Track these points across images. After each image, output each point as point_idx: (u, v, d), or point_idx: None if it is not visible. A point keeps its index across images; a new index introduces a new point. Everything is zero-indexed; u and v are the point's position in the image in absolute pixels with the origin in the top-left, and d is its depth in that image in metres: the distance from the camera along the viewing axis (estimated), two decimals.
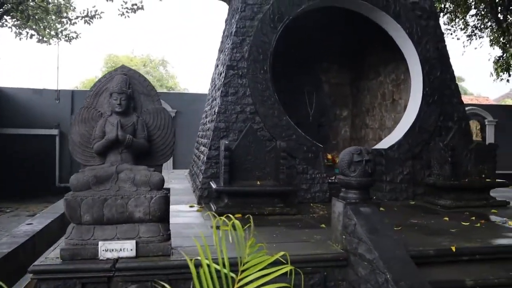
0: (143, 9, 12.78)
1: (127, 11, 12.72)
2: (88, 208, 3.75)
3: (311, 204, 6.86)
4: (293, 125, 7.14)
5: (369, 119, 10.31)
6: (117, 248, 3.77)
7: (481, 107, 17.55)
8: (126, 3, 12.66)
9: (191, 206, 6.66)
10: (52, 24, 13.19)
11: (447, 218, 5.87)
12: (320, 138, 10.69)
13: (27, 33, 13.02)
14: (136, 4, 12.68)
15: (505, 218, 5.92)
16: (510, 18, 15.43)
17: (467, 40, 16.30)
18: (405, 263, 3.54)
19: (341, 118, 11.18)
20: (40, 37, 13.33)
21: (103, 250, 3.75)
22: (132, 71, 4.39)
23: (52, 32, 13.73)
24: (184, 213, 6.22)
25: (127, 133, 4.10)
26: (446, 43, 8.08)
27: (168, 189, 4.50)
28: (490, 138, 16.74)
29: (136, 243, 3.80)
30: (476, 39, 16.35)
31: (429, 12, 8.07)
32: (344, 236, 4.12)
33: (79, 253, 3.73)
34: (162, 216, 3.93)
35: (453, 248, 4.27)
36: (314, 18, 9.88)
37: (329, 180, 9.24)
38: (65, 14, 12.86)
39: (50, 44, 13.70)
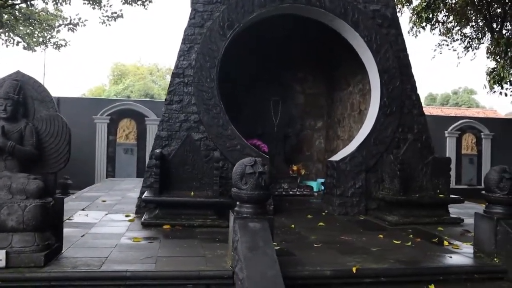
0: (123, 17, 12.88)
1: (108, 19, 12.84)
2: None
3: None
4: (238, 135, 6.93)
5: (340, 130, 10.03)
6: None
7: (478, 120, 16.99)
8: (106, 11, 12.77)
9: (126, 216, 6.51)
10: (36, 32, 13.36)
11: (381, 236, 5.57)
12: (292, 149, 10.47)
13: (13, 40, 13.23)
14: (116, 12, 12.79)
15: (445, 236, 5.59)
16: (510, 29, 14.96)
17: (462, 52, 15.85)
18: (275, 285, 3.30)
19: (316, 129, 10.90)
20: (26, 45, 13.53)
21: None
22: (27, 76, 4.29)
23: (40, 40, 13.90)
24: (114, 223, 6.07)
25: (12, 140, 3.99)
26: (408, 52, 7.79)
27: (62, 199, 4.37)
28: (486, 152, 16.16)
29: (7, 253, 3.66)
30: (472, 50, 15.88)
31: (391, 20, 7.79)
32: (232, 253, 3.90)
33: None
34: (38, 226, 3.78)
35: (354, 269, 4.00)
36: (283, 26, 9.71)
37: (291, 192, 9.05)
38: (45, 23, 13.01)
39: (35, 51, 13.92)
